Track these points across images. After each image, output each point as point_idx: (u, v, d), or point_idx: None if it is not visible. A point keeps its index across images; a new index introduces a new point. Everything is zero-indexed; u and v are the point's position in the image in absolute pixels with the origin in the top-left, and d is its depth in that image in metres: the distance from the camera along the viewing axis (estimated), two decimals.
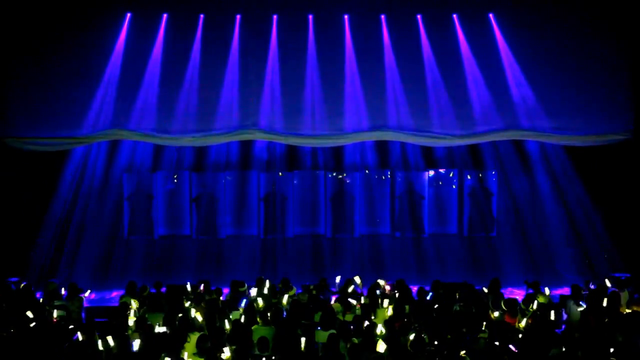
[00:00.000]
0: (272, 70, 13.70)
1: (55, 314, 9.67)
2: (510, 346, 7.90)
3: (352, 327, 8.82)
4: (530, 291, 10.98)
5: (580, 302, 10.06)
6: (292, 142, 14.14)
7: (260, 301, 10.19)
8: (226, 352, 7.76)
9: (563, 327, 9.83)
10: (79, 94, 13.20)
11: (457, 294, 10.62)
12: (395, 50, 13.97)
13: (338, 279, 11.64)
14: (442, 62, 13.85)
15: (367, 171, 15.67)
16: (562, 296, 10.77)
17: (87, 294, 11.17)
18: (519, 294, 12.20)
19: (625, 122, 13.38)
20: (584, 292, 10.82)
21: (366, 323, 8.76)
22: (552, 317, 9.30)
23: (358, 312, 9.68)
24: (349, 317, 9.54)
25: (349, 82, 13.90)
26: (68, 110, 13.16)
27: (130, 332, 8.85)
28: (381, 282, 11.34)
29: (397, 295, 10.60)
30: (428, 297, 10.63)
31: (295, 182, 15.57)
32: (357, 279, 11.44)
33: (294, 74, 13.72)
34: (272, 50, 14.00)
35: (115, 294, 13.11)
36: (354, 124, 13.76)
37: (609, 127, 13.39)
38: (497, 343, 7.98)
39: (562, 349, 7.79)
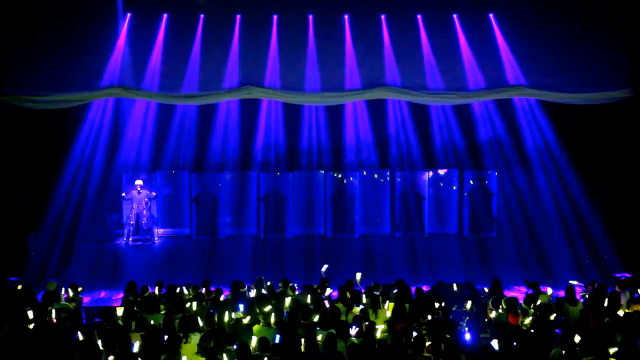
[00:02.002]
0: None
1: (55, 314, 9.66)
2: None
3: (354, 326, 8.81)
4: (531, 291, 10.97)
5: (581, 301, 10.04)
6: (290, 100, 13.99)
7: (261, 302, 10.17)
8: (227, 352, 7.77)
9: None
10: (82, 53, 13.17)
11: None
12: (395, 49, 14.01)
13: (324, 267, 11.63)
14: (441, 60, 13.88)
15: (366, 171, 15.67)
16: (558, 299, 10.75)
17: (80, 289, 11.12)
18: (518, 294, 12.19)
19: (625, 80, 13.22)
20: (585, 292, 10.81)
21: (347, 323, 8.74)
22: (552, 317, 9.30)
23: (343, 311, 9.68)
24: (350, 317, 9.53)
25: (348, 81, 13.92)
26: (69, 69, 13.09)
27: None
28: (358, 275, 11.39)
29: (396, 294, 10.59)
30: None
31: (295, 182, 15.57)
32: (358, 276, 11.48)
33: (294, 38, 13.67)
34: (272, 50, 14.08)
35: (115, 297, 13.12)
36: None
37: (608, 83, 13.21)
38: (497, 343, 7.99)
39: (562, 349, 7.79)
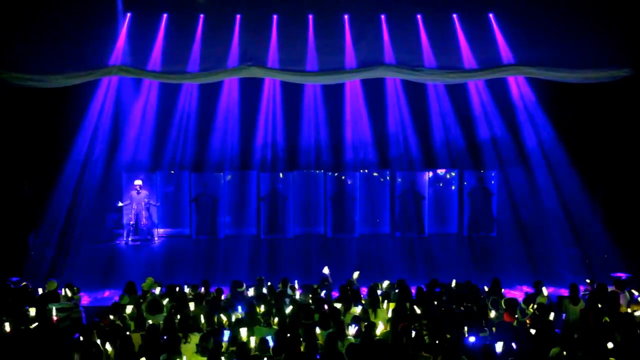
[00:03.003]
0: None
1: (54, 313, 9.67)
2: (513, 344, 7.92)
3: (353, 325, 8.81)
4: (531, 291, 10.97)
5: (581, 299, 10.05)
6: (289, 79, 13.94)
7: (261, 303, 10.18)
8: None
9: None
10: (83, 36, 13.13)
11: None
12: (395, 49, 14.02)
13: (326, 269, 11.63)
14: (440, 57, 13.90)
15: (366, 171, 15.67)
16: (559, 297, 10.74)
17: (77, 290, 11.12)
18: (519, 294, 12.20)
19: (624, 59, 13.06)
20: (586, 292, 10.81)
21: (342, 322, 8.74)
22: (552, 317, 9.30)
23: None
24: (349, 317, 9.53)
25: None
26: (69, 49, 13.02)
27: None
28: (355, 274, 11.36)
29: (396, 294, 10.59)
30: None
31: (295, 182, 15.57)
32: (355, 274, 11.49)
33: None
34: (272, 50, 14.08)
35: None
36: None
37: (607, 62, 13.06)
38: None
39: (562, 349, 7.79)
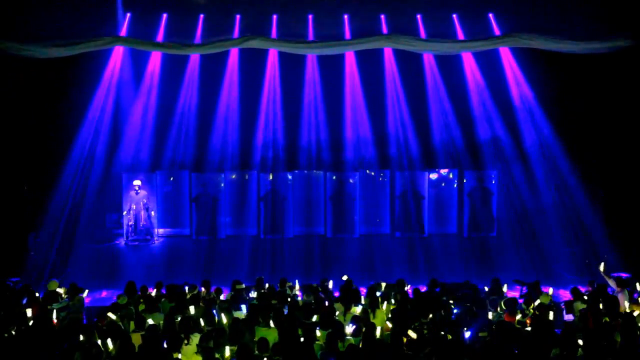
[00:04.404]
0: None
1: (55, 314, 9.67)
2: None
3: (351, 324, 8.82)
4: (525, 290, 10.97)
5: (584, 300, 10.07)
6: (291, 49, 13.82)
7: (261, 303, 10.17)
8: (227, 352, 7.77)
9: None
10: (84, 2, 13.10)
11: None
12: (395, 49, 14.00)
13: (330, 283, 11.62)
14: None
15: (367, 171, 15.67)
16: (566, 302, 10.72)
17: (85, 294, 11.13)
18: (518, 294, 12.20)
19: (626, 29, 12.83)
20: (586, 292, 10.82)
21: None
22: (551, 317, 9.30)
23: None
24: (348, 317, 9.53)
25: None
26: (69, 20, 12.93)
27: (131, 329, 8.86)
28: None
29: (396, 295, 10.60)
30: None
31: (294, 182, 15.57)
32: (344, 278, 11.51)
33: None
34: (271, 51, 14.07)
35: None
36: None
37: (608, 32, 12.81)
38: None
39: (562, 349, 7.79)
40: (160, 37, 13.96)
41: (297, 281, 11.58)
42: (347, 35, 14.16)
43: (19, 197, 13.98)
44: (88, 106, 14.27)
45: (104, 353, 7.95)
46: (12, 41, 12.52)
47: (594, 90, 14.19)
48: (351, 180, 15.59)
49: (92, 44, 12.95)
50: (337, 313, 9.43)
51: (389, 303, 10.20)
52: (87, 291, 11.23)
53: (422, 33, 14.12)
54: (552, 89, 14.50)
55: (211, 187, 15.34)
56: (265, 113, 15.27)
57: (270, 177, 15.27)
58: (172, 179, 15.47)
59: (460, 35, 14.13)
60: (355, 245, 15.01)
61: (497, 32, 14.02)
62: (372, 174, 15.68)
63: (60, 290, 10.77)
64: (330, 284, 11.47)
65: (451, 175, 15.79)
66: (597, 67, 13.95)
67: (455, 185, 15.74)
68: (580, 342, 7.84)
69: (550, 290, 10.89)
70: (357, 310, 9.70)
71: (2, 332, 8.68)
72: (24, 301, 10.33)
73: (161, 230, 15.35)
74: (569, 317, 10.24)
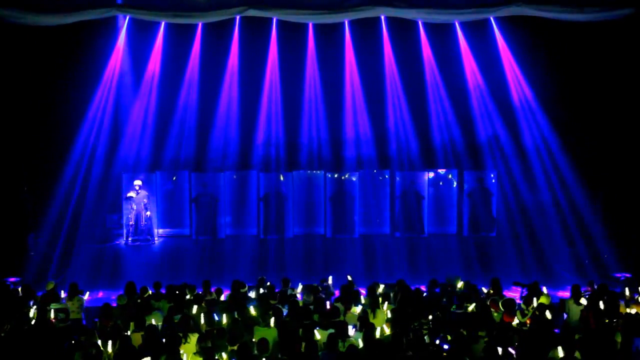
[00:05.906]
0: None
1: (54, 314, 9.66)
2: (510, 349, 7.90)
3: (352, 327, 8.82)
4: (525, 292, 10.97)
5: (581, 301, 10.04)
6: (287, 17, 13.70)
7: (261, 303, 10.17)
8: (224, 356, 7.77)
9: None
10: None
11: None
12: (395, 49, 13.97)
13: (330, 279, 11.64)
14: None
15: (366, 171, 15.66)
16: (562, 299, 10.72)
17: (86, 296, 11.14)
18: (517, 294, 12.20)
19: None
20: (587, 292, 10.81)
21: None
22: (549, 316, 9.29)
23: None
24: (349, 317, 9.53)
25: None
26: None
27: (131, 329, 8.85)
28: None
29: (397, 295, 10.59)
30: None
31: (295, 182, 15.56)
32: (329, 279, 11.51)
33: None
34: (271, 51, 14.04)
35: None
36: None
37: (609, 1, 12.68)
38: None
39: (561, 349, 7.78)
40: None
41: (299, 284, 11.56)
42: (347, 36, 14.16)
43: (19, 197, 13.97)
44: (88, 106, 14.26)
45: (104, 353, 7.96)
46: (9, 8, 12.31)
47: (593, 90, 14.18)
48: (353, 178, 15.56)
49: (89, 12, 12.72)
50: None
51: (389, 303, 10.20)
52: (87, 293, 11.22)
53: (423, 33, 14.11)
54: (552, 89, 14.49)
55: (211, 187, 15.33)
56: (266, 113, 15.27)
57: (282, 178, 15.25)
58: (175, 178, 15.46)
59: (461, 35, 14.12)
60: (355, 245, 15.01)
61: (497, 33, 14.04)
62: (375, 171, 15.67)
63: (70, 293, 10.75)
64: (330, 280, 11.49)
65: (450, 176, 15.79)
66: (597, 67, 13.97)
67: (455, 185, 15.73)
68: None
69: (545, 289, 10.89)
70: (357, 310, 9.71)
71: (1, 332, 8.69)
72: (30, 303, 10.35)
73: (161, 231, 15.35)
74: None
